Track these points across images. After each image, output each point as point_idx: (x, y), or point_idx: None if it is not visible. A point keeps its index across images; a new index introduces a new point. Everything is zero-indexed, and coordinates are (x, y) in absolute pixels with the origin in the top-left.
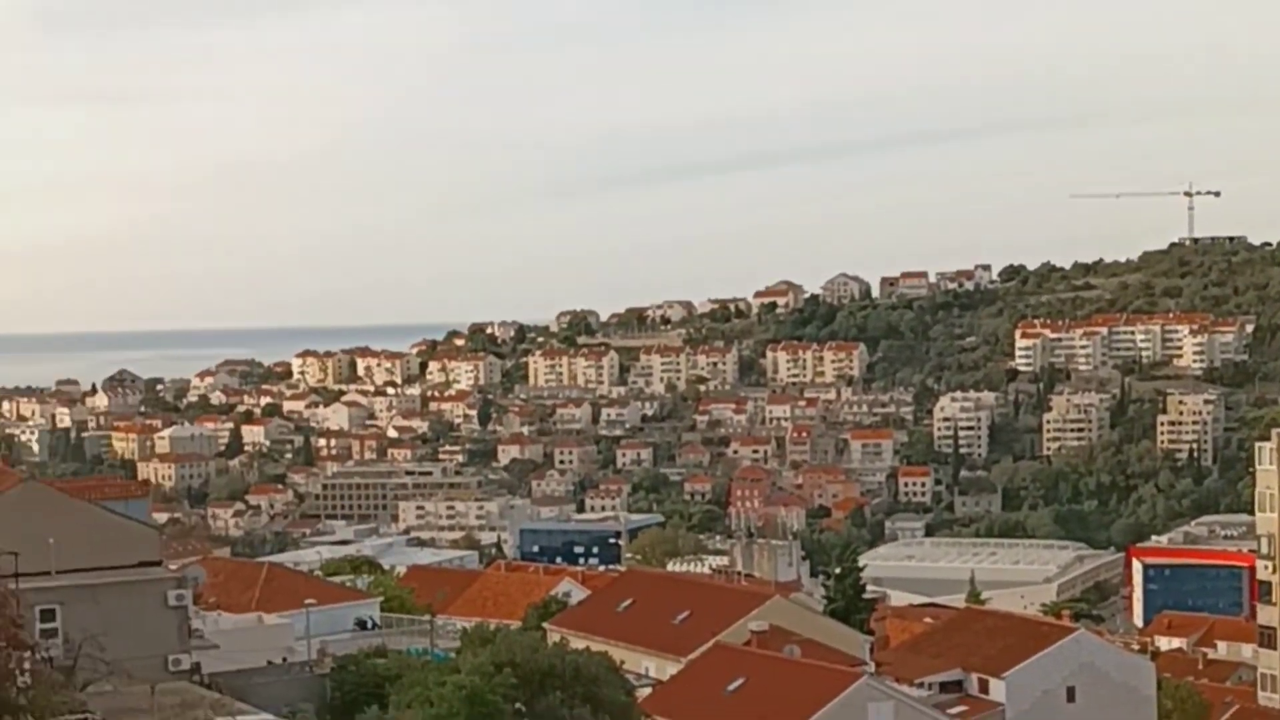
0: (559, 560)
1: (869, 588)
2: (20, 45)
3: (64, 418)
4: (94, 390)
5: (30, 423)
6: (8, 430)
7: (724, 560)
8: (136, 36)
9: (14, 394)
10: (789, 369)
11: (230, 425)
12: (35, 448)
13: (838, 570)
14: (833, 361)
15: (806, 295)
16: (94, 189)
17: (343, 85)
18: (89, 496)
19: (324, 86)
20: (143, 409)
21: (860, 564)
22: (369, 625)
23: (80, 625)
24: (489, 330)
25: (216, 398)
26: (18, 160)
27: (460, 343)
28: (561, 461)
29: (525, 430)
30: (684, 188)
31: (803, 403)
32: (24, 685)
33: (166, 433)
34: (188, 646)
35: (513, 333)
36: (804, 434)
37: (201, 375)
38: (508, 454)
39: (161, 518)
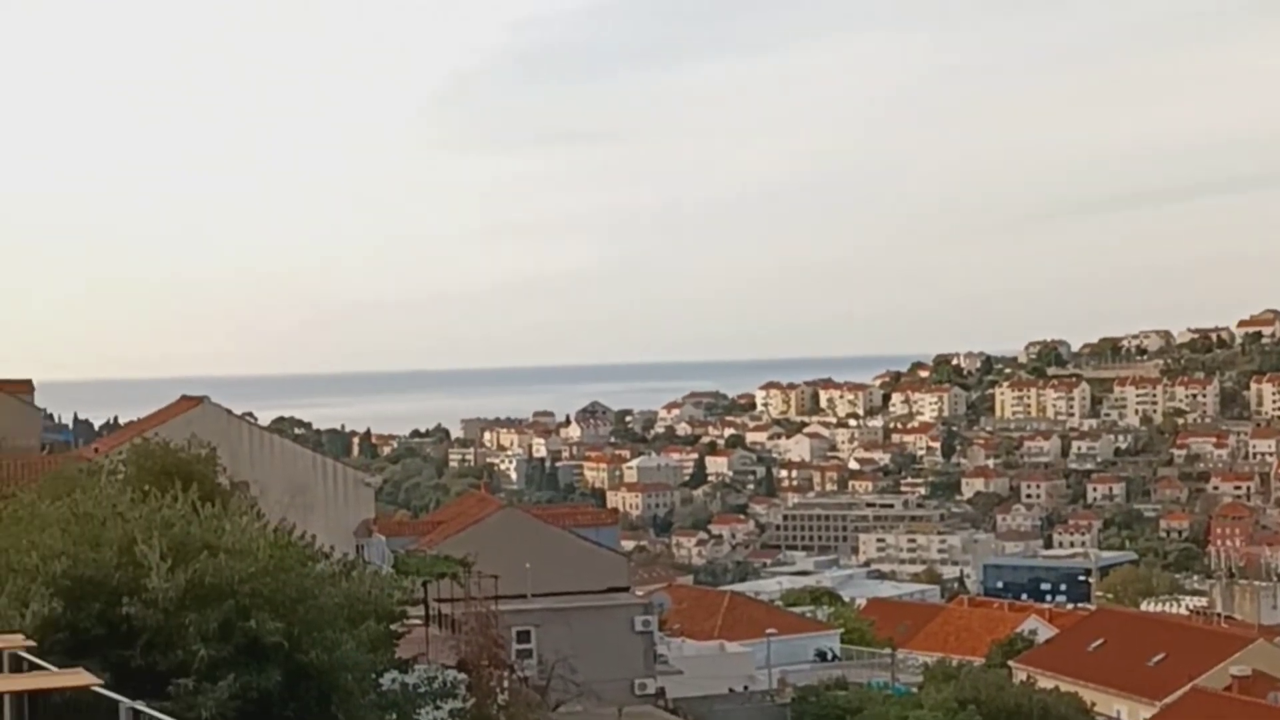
0: (1024, 597)
1: None
2: (502, 89)
3: (540, 448)
4: (568, 421)
5: (509, 452)
6: (489, 459)
7: (1202, 601)
8: (613, 77)
9: (495, 425)
10: (1275, 402)
11: (695, 456)
12: (513, 476)
13: None
14: None
15: None
16: (571, 227)
17: (811, 117)
18: (563, 523)
19: (792, 119)
20: (612, 439)
21: None
22: (829, 657)
23: (553, 647)
24: (954, 361)
25: (682, 429)
26: (498, 200)
27: (924, 374)
28: (1028, 495)
29: (990, 463)
30: (1163, 212)
31: None
32: (503, 703)
33: (634, 463)
34: (653, 671)
35: (979, 364)
36: None
37: (669, 407)
38: (971, 487)
39: (629, 545)
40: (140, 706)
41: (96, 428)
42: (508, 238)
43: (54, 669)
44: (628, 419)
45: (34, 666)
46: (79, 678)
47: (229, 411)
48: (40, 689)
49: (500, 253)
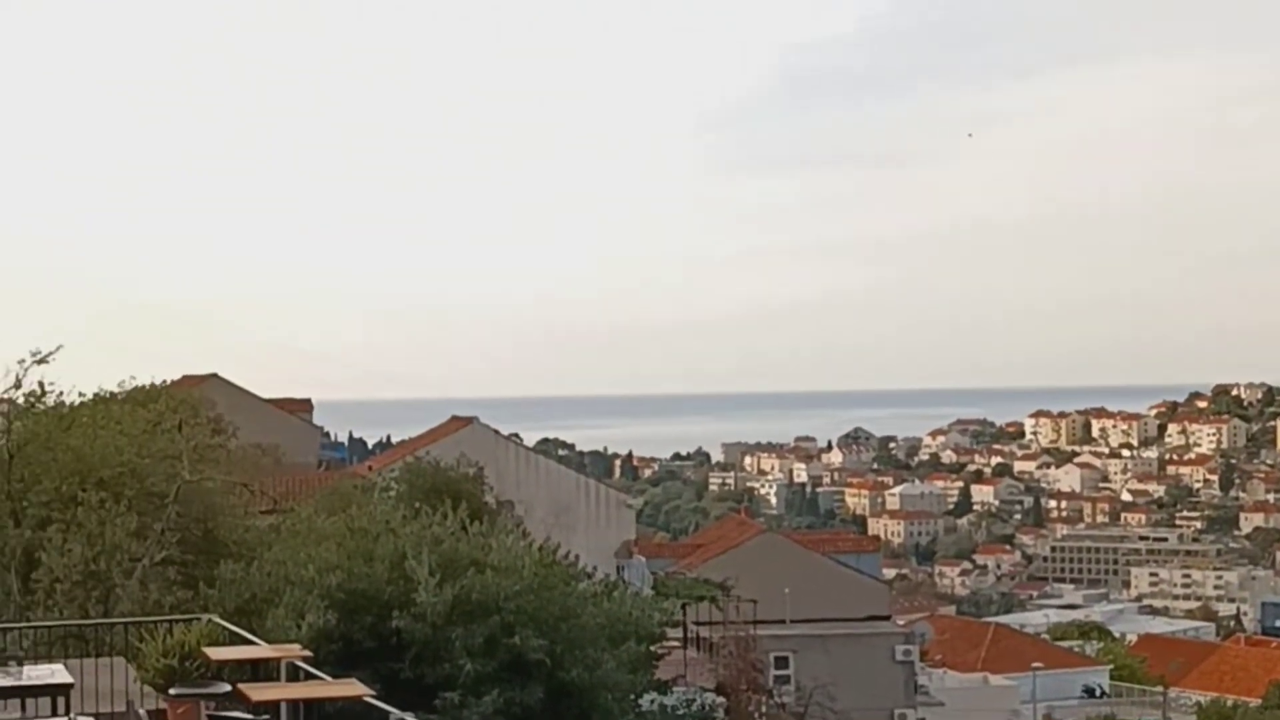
0: None
1: None
2: (773, 112)
3: (800, 473)
4: (829, 447)
5: (769, 477)
6: (749, 483)
7: None
8: (886, 101)
9: (755, 449)
10: None
11: (960, 484)
12: (773, 500)
13: None
14: None
15: None
16: (838, 251)
17: (1093, 143)
18: (823, 549)
19: (1072, 145)
20: (875, 466)
21: None
22: (1098, 693)
23: (811, 673)
24: (1234, 391)
25: (947, 456)
26: (765, 224)
27: (1203, 405)
28: None
29: (1271, 498)
30: None
31: None
32: None
33: (897, 490)
34: (913, 701)
35: (1260, 395)
36: None
37: (934, 434)
38: (1250, 522)
39: (890, 573)
40: (409, 718)
41: (370, 446)
42: (773, 261)
43: (329, 679)
44: (891, 445)
45: (310, 676)
46: (352, 688)
47: (497, 432)
48: (316, 698)
49: (765, 276)
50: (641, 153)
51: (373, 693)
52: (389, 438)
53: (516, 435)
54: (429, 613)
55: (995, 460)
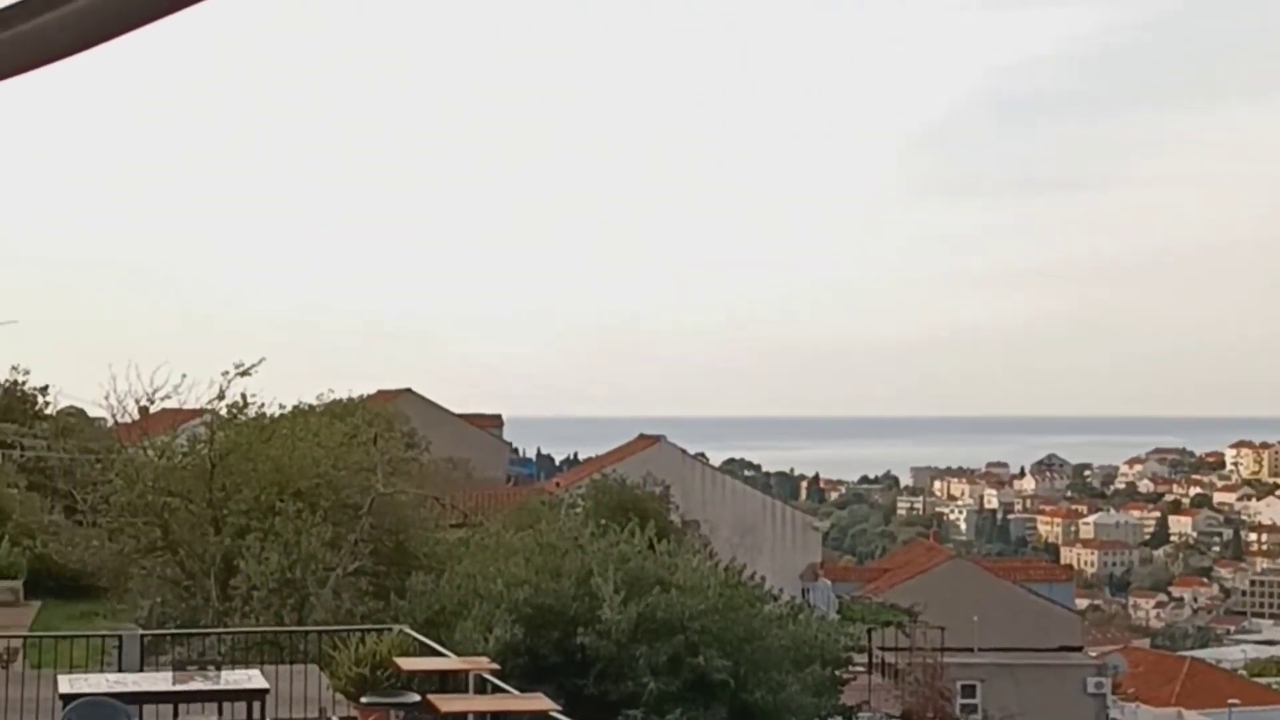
0: None
1: None
2: (974, 133)
3: (991, 499)
4: (1022, 473)
5: (959, 502)
6: (938, 508)
7: None
8: (1093, 124)
9: (945, 474)
10: None
11: (1157, 514)
12: (962, 526)
13: None
14: None
15: None
16: (1035, 276)
17: None
18: (1013, 577)
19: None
20: (1069, 494)
21: None
22: None
23: (999, 703)
24: None
25: (1144, 485)
26: (963, 247)
27: None
28: None
29: None
30: None
31: None
32: None
33: (1091, 519)
34: None
35: None
36: None
37: (1130, 462)
38: None
39: (1083, 603)
40: None
41: (558, 462)
42: (970, 285)
43: (515, 693)
44: (1086, 473)
45: (496, 689)
46: (538, 702)
47: (683, 451)
48: (503, 710)
49: (961, 300)
50: (833, 171)
51: (558, 708)
52: (576, 455)
53: (703, 455)
54: (614, 630)
55: (1194, 491)
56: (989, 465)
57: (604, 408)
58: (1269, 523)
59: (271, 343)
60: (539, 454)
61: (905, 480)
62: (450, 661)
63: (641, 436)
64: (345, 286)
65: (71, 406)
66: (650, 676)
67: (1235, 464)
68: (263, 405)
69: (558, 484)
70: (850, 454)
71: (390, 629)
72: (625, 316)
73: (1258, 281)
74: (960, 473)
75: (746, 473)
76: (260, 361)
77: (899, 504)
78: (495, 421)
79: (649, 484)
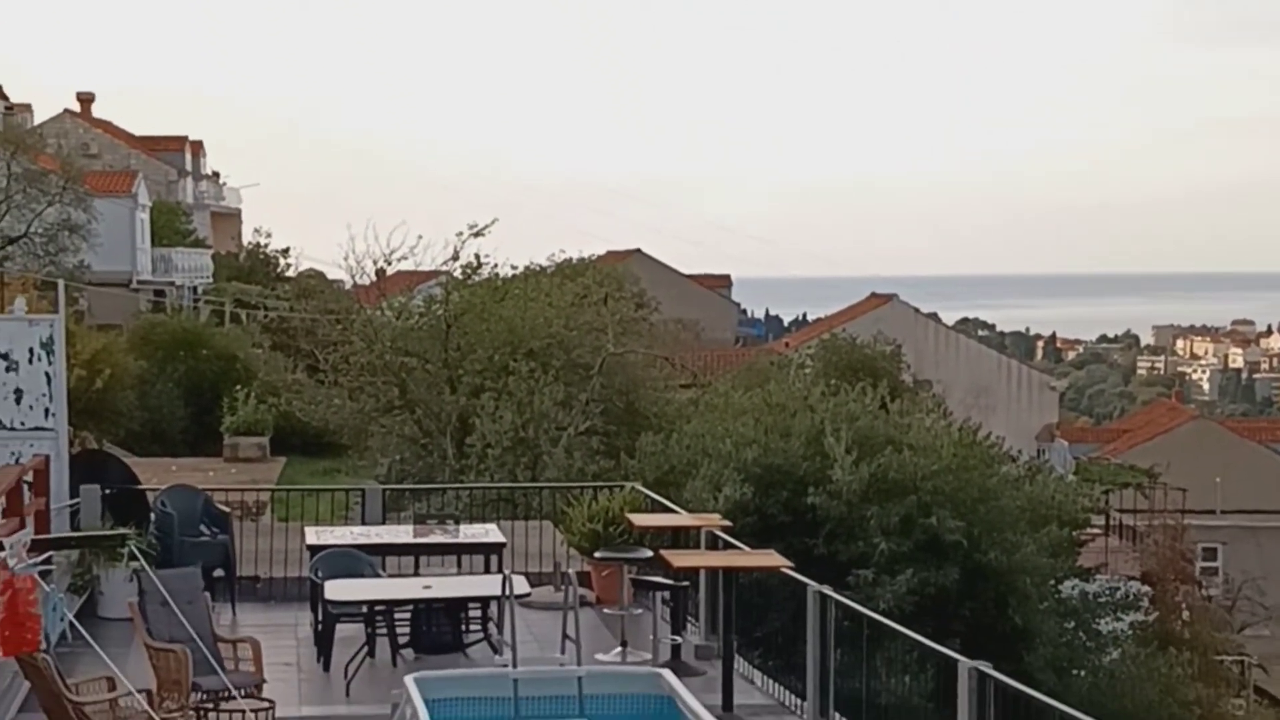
0: None
1: None
2: None
3: (1236, 358)
4: (1269, 331)
5: (1202, 362)
6: (1180, 368)
7: None
8: None
9: (1188, 332)
10: None
11: None
12: (1205, 386)
13: None
14: None
15: None
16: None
17: None
18: (1259, 438)
19: None
20: None
21: None
22: None
23: (1241, 566)
24: None
25: None
26: (1220, 97)
27: None
28: None
29: None
30: None
31: None
32: (1186, 619)
33: None
34: None
35: None
36: None
37: None
38: None
39: None
40: (827, 590)
41: (786, 323)
42: (1224, 136)
43: (747, 549)
44: None
45: (728, 545)
46: (770, 559)
47: (916, 310)
48: (736, 567)
49: (1212, 152)
50: (1088, 19)
51: (790, 564)
52: (805, 315)
53: (935, 314)
54: (844, 490)
55: None
56: (1234, 323)
57: (834, 267)
58: None
59: (504, 204)
60: (767, 315)
61: (1146, 339)
62: (682, 518)
63: (873, 295)
64: (576, 151)
65: (311, 269)
66: (881, 537)
67: None
68: (495, 266)
69: (787, 344)
70: (1089, 312)
71: (622, 486)
72: (857, 175)
73: None
74: (1204, 331)
75: (981, 332)
76: (493, 222)
77: (1139, 364)
78: (724, 282)
79: (880, 343)
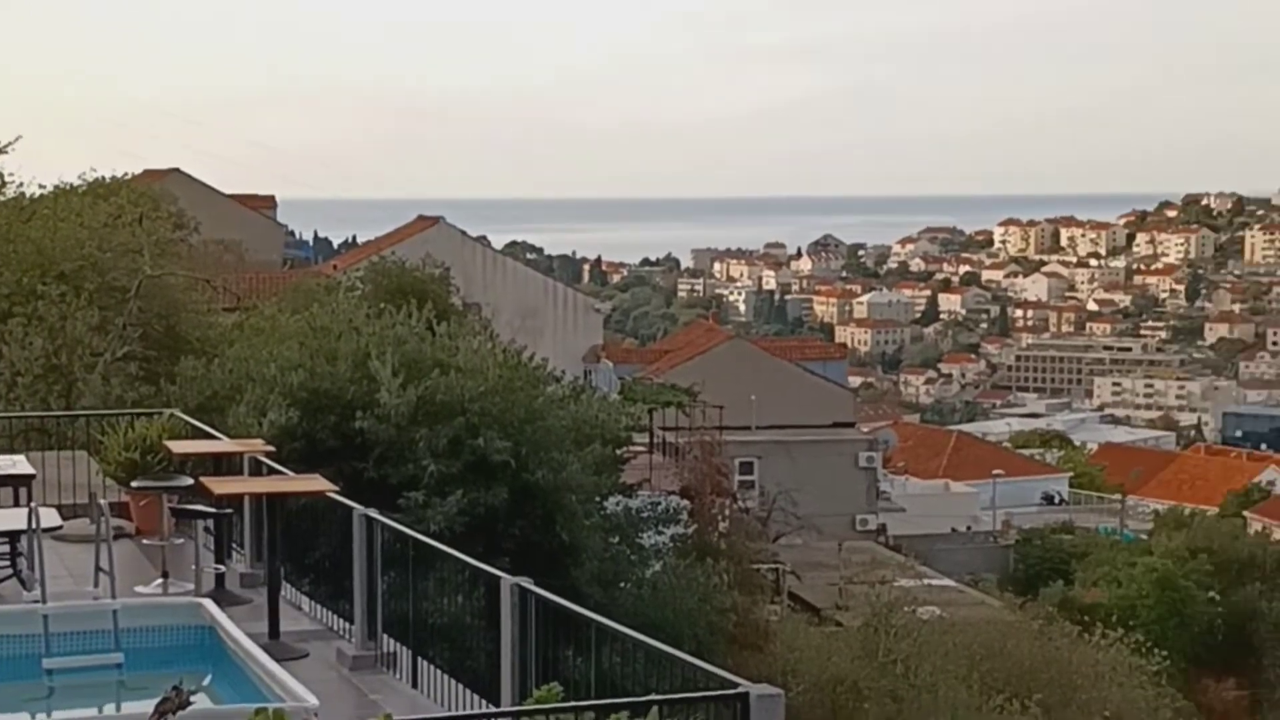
0: (1264, 447)
1: None
2: None
3: (770, 280)
4: (799, 254)
5: (738, 284)
6: (718, 290)
7: None
8: None
9: (724, 255)
10: None
11: (928, 293)
12: (741, 308)
13: None
14: None
15: None
16: (816, 53)
17: None
18: (790, 356)
19: None
20: (844, 274)
21: None
22: (1056, 500)
23: (775, 479)
24: (1204, 201)
25: (916, 265)
26: (743, 24)
27: (1172, 214)
28: (1275, 343)
29: (1237, 308)
30: None
31: None
32: (724, 531)
33: (865, 298)
34: (875, 507)
35: (1230, 205)
36: None
37: (903, 242)
38: (1215, 333)
39: (856, 381)
40: (373, 514)
41: (335, 245)
42: (752, 63)
43: (292, 474)
44: (860, 253)
45: (272, 471)
46: (315, 483)
47: (464, 233)
48: (279, 492)
49: (743, 79)
50: None
51: (335, 488)
52: (355, 238)
53: (484, 237)
54: (393, 413)
55: (963, 269)
56: (767, 246)
57: (384, 189)
58: (1034, 299)
59: (28, 120)
60: (316, 237)
61: (686, 262)
62: (223, 444)
63: (420, 218)
64: (112, 65)
65: None
66: (430, 459)
67: (1003, 242)
68: (21, 185)
69: (335, 267)
70: (632, 236)
71: (161, 413)
72: (403, 96)
73: (1026, 64)
74: (739, 254)
75: (529, 255)
76: (17, 140)
77: (680, 286)
78: (268, 203)
79: (428, 266)
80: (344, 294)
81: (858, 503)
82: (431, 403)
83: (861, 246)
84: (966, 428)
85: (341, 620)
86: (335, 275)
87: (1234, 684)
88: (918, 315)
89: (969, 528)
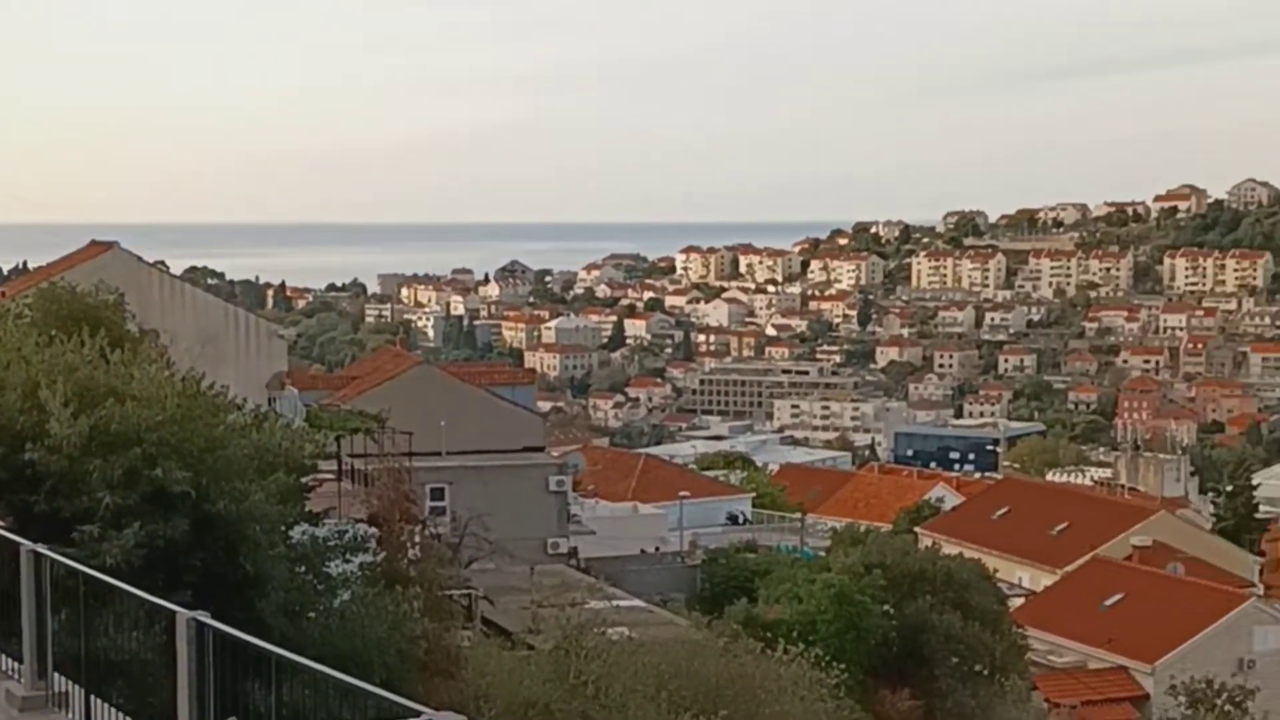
0: (933, 465)
1: (1262, 507)
2: None
3: (458, 305)
4: (487, 280)
5: (426, 309)
6: (405, 316)
7: (1107, 473)
8: None
9: (412, 281)
10: (1187, 277)
11: (614, 318)
12: (430, 333)
13: (1229, 488)
14: (1235, 270)
15: (1210, 200)
16: (500, 82)
17: None
18: (479, 382)
19: None
20: (531, 300)
21: (1255, 482)
22: (740, 520)
23: (467, 504)
24: (873, 229)
25: (602, 291)
26: (427, 52)
27: (844, 241)
28: (941, 365)
29: (905, 332)
30: (1084, 86)
31: (1200, 313)
32: (414, 558)
33: (553, 323)
34: (566, 531)
35: (897, 233)
36: (1200, 345)
37: (588, 268)
38: (886, 356)
39: (546, 406)
40: (42, 549)
41: (5, 272)
42: (435, 91)
43: None
44: (547, 279)
45: None
46: None
47: (139, 258)
48: None
49: (427, 106)
50: None
51: (4, 522)
52: (25, 263)
53: (162, 263)
54: (64, 444)
55: (648, 295)
56: (454, 272)
57: (57, 214)
58: (716, 325)
59: None
60: None
61: (373, 288)
62: None
63: (93, 243)
64: None
65: None
66: (105, 491)
67: (685, 268)
68: None
69: (3, 294)
70: (316, 261)
71: None
72: (76, 117)
73: (704, 92)
74: (427, 280)
75: (210, 281)
76: None
77: (367, 312)
78: None
79: (102, 292)
80: (12, 322)
81: (549, 526)
82: (106, 432)
83: (548, 273)
84: (654, 450)
85: (10, 660)
86: (3, 302)
87: (909, 694)
88: (604, 340)
89: (658, 549)
